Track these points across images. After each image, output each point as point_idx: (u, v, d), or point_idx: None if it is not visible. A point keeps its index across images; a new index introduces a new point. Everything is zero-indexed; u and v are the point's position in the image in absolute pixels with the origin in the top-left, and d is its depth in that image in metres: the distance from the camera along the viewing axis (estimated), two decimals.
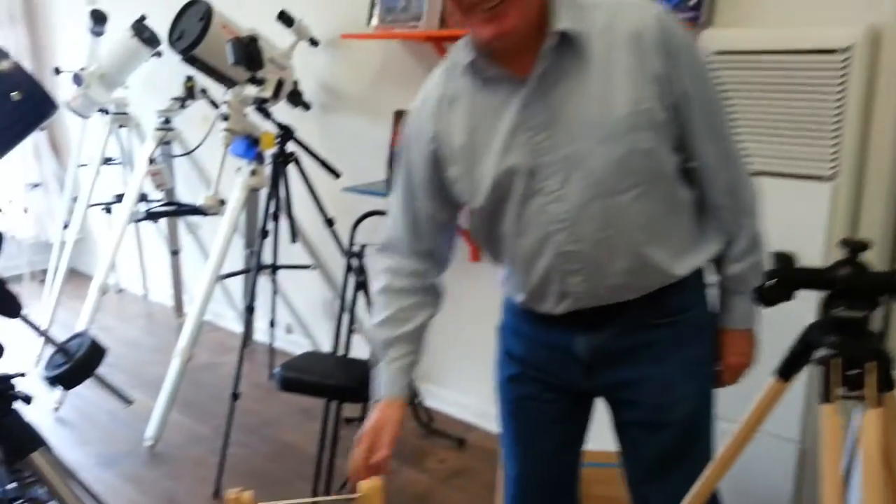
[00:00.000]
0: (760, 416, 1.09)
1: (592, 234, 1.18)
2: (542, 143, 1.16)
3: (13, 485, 1.72)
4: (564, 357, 1.31)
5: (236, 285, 3.69)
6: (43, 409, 3.09)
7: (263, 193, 2.78)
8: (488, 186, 1.21)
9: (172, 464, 2.72)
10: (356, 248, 2.52)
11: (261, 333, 3.70)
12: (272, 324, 3.25)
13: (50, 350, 1.58)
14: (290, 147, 2.71)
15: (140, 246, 4.30)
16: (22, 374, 1.59)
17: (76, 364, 1.51)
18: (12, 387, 1.53)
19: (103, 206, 4.08)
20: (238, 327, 3.89)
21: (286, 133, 2.66)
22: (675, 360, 1.28)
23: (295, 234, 2.81)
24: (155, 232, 4.09)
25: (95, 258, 4.74)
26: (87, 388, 3.29)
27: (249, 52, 2.49)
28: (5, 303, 1.46)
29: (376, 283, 1.41)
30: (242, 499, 1.17)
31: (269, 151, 2.71)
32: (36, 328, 1.60)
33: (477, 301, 2.85)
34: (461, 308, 2.90)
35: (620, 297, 1.24)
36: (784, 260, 1.04)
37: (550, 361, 1.34)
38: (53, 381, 1.53)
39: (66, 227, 3.86)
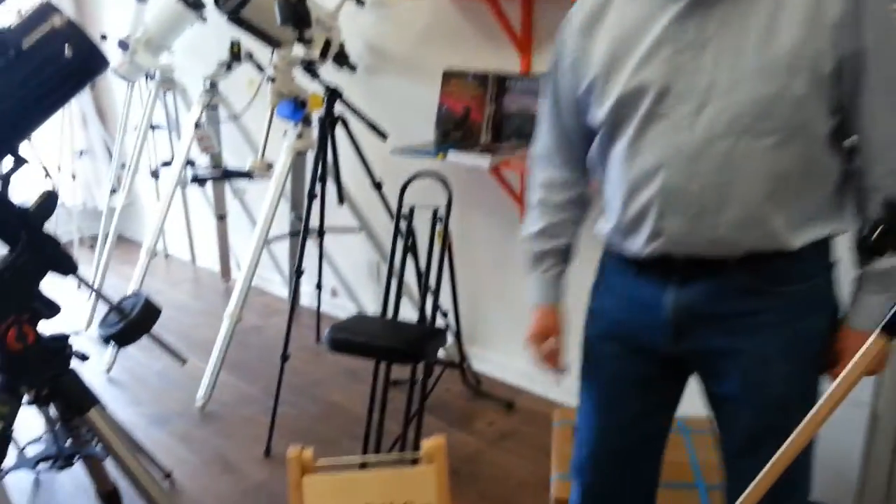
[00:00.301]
0: (859, 376, 1.01)
1: (708, 175, 1.08)
2: (684, 64, 1.08)
3: (70, 442, 1.75)
4: (652, 316, 1.22)
5: (282, 250, 3.69)
6: (94, 371, 3.15)
7: (310, 157, 2.76)
8: (614, 100, 1.14)
9: (223, 423, 2.76)
10: (404, 211, 2.49)
11: (306, 297, 3.72)
12: (318, 287, 3.25)
13: (104, 311, 1.58)
14: (338, 109, 2.67)
15: (187, 211, 4.34)
16: (77, 333, 1.60)
17: (131, 322, 1.51)
18: (69, 345, 1.54)
19: (150, 173, 4.12)
20: (284, 292, 3.91)
21: (333, 94, 2.62)
22: (776, 334, 1.17)
23: (342, 196, 2.79)
24: (201, 197, 4.11)
25: (143, 224, 4.81)
26: (137, 350, 3.36)
27: (297, 11, 2.44)
28: (61, 261, 1.46)
29: (531, 195, 1.41)
30: (304, 456, 1.15)
31: (317, 113, 2.68)
32: (91, 287, 1.61)
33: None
34: (511, 269, 2.86)
35: (719, 252, 1.14)
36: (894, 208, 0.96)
37: (637, 320, 1.26)
38: (109, 339, 1.54)
39: (113, 192, 3.91)
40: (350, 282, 3.46)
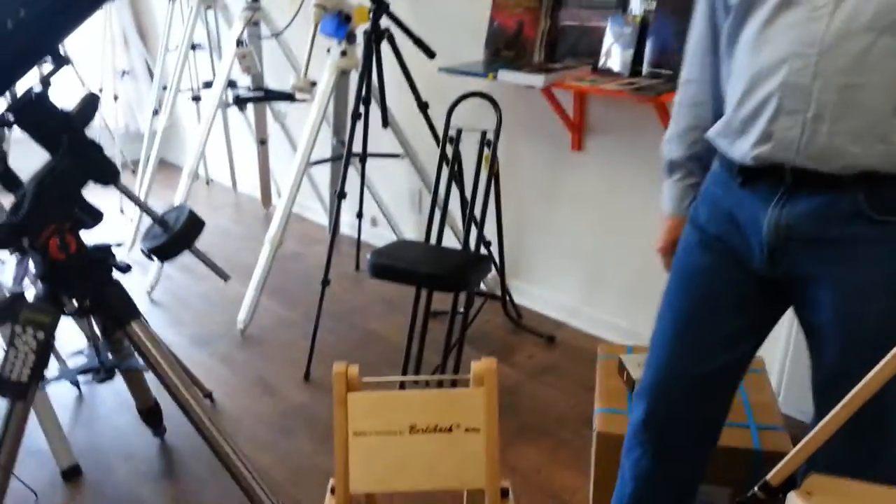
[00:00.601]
0: None
1: (836, 75, 0.99)
2: None
3: (111, 355, 1.74)
4: (749, 235, 1.15)
5: (323, 176, 3.64)
6: (137, 292, 3.17)
7: (354, 77, 2.66)
8: None
9: (263, 347, 2.76)
10: (451, 134, 2.40)
11: (346, 226, 3.68)
12: (359, 215, 3.20)
13: (147, 226, 1.54)
14: (384, 23, 2.55)
15: (228, 136, 4.29)
16: (120, 244, 1.58)
17: (175, 235, 1.48)
18: (112, 256, 1.51)
19: (192, 97, 4.06)
20: (324, 220, 3.87)
21: (380, 6, 2.50)
22: (879, 266, 1.08)
23: (386, 119, 2.70)
24: (242, 122, 4.06)
25: (185, 149, 4.79)
26: (179, 272, 3.37)
27: None
28: (103, 168, 1.42)
29: (676, 94, 1.32)
30: (351, 372, 1.11)
31: (362, 28, 2.57)
32: (134, 198, 1.57)
33: (573, 192, 2.70)
34: (558, 200, 2.76)
35: (832, 167, 1.04)
36: None
37: (734, 234, 1.18)
38: (152, 252, 1.50)
39: (155, 114, 3.87)
40: (391, 211, 3.40)
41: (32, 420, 2.13)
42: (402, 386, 2.21)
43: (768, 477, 1.18)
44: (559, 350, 2.70)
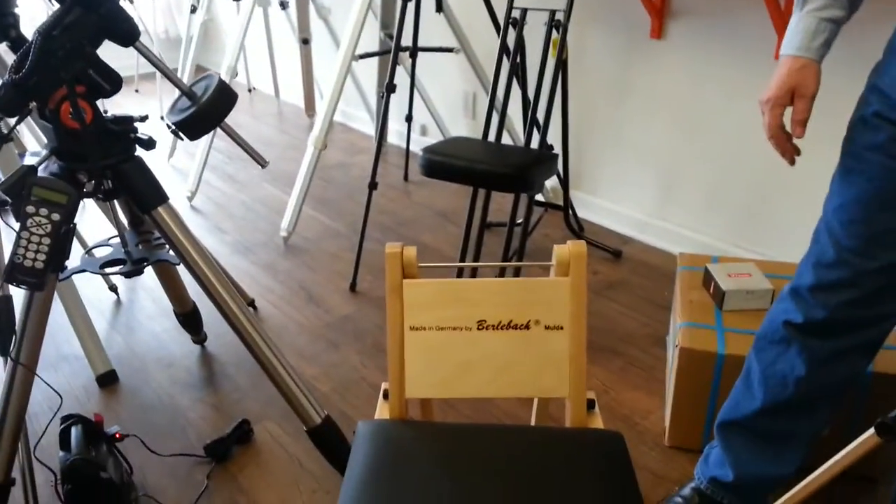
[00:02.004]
0: None
1: None
2: None
3: (140, 247, 1.58)
4: None
5: (369, 78, 3.40)
6: (176, 199, 3.03)
7: None
8: None
9: (307, 256, 2.60)
10: (514, 15, 2.12)
11: (394, 135, 3.45)
12: (408, 118, 2.96)
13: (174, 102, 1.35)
14: None
15: (269, 37, 4.05)
16: (144, 118, 1.39)
17: (203, 108, 1.27)
18: (134, 129, 1.33)
19: None
20: (370, 129, 3.65)
21: None
22: None
23: (441, 2, 2.43)
24: (285, 24, 3.81)
25: (223, 55, 4.58)
26: (219, 180, 3.21)
27: None
28: (120, 23, 1.21)
29: None
30: (407, 254, 0.91)
31: None
32: (157, 65, 1.37)
33: (648, 88, 2.41)
34: (628, 98, 2.48)
35: None
36: None
37: None
38: (179, 127, 1.31)
39: (193, 11, 3.65)
40: (442, 115, 3.16)
41: (67, 325, 2.02)
42: (462, 273, 2.02)
43: None
44: (627, 265, 2.47)
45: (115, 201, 1.65)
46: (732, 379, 1.54)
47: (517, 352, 0.94)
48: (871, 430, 1.00)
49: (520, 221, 2.29)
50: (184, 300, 1.96)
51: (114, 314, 2.26)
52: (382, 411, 0.98)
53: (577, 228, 2.62)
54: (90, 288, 2.36)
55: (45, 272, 1.25)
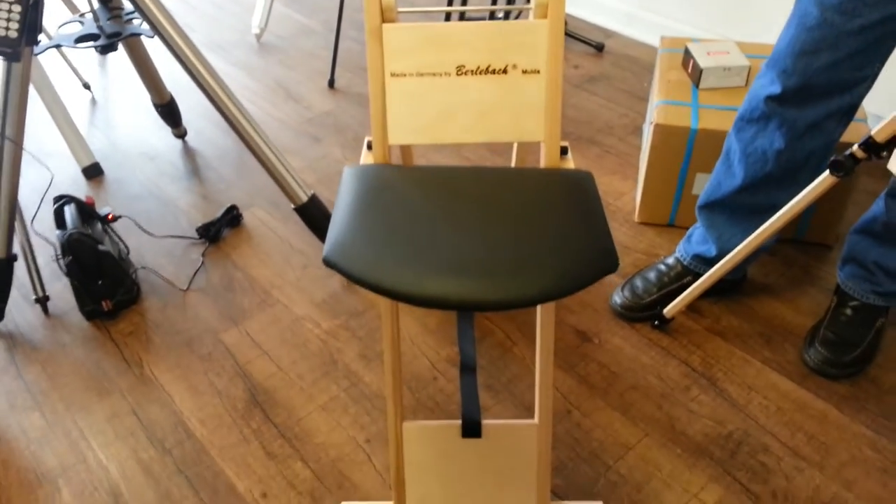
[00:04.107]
0: None
1: None
2: None
3: (111, 22, 1.55)
4: None
5: None
6: None
7: None
8: None
9: (283, 54, 2.54)
10: None
11: None
12: None
13: None
14: None
15: None
16: None
17: None
18: None
19: None
20: None
21: None
22: None
23: None
24: None
25: None
26: None
27: None
28: None
29: None
30: None
31: None
32: None
33: None
34: None
35: None
36: None
37: None
38: None
39: None
40: None
41: (49, 123, 2.01)
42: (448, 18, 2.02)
43: (873, 132, 1.02)
44: (608, 59, 2.45)
45: None
46: (703, 153, 1.60)
47: (495, 97, 0.97)
48: (827, 172, 1.07)
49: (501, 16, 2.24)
50: (160, 90, 1.95)
51: (91, 112, 2.25)
52: (367, 159, 1.02)
53: None
54: (64, 88, 2.32)
55: (19, 41, 1.23)
